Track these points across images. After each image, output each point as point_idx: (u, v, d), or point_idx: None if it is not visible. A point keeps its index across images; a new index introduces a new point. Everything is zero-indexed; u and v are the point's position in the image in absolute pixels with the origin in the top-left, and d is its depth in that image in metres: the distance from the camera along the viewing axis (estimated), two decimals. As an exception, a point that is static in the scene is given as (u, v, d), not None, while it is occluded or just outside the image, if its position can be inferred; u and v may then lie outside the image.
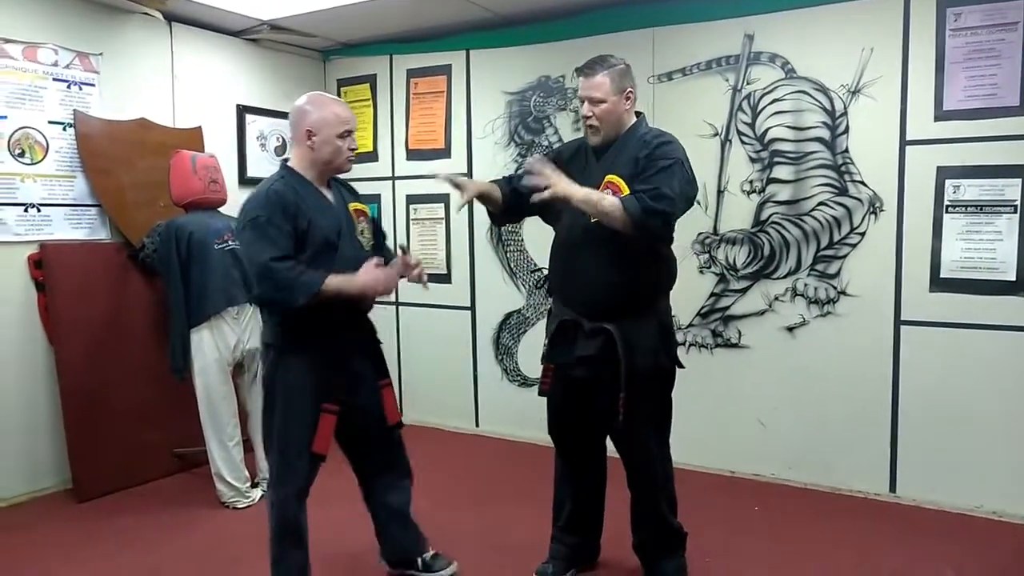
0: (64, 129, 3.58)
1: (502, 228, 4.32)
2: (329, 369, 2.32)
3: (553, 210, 2.49)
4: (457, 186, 2.48)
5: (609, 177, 2.35)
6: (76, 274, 3.52)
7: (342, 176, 2.51)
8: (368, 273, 2.27)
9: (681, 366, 2.52)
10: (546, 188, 2.25)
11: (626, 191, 2.29)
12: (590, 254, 2.36)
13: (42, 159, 3.52)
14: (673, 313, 2.58)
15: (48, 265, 3.46)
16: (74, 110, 3.60)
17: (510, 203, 2.54)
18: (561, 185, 2.26)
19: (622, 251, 2.31)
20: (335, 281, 2.20)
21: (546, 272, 2.61)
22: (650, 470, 2.50)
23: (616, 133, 2.41)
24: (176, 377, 3.38)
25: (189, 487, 3.64)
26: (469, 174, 4.42)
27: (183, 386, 3.40)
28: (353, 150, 2.39)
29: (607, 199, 2.24)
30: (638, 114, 2.47)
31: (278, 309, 2.27)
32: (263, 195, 2.26)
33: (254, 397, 3.47)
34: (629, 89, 2.40)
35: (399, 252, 2.43)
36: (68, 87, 3.60)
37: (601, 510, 2.68)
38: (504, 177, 2.64)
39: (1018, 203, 3.09)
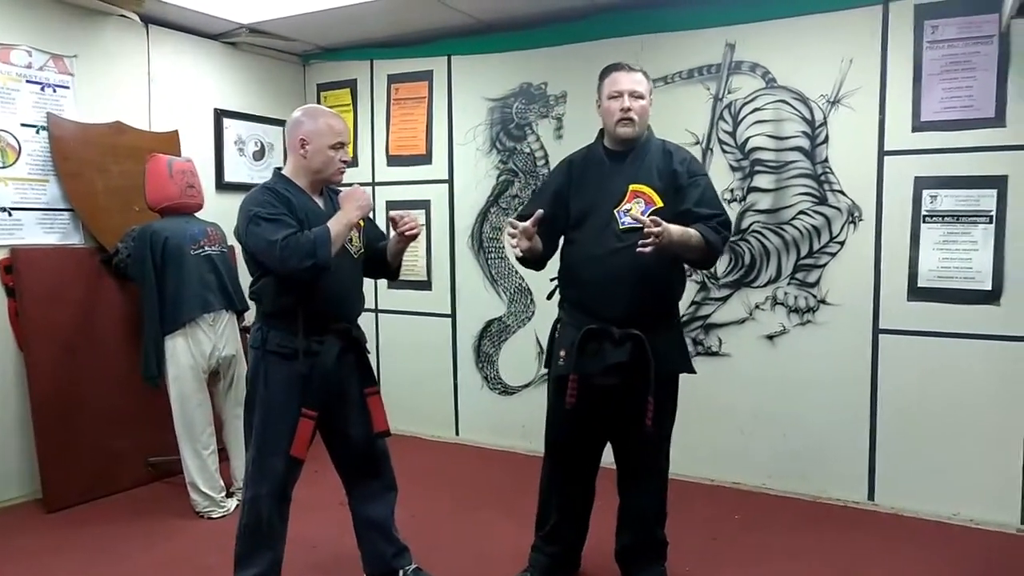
0: (37, 132, 3.51)
1: (483, 235, 4.31)
2: (311, 374, 2.32)
3: (571, 218, 2.48)
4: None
5: (634, 186, 2.37)
6: (47, 279, 3.45)
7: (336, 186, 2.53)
8: (349, 201, 2.35)
9: (693, 371, 2.54)
10: (656, 237, 2.13)
11: (659, 202, 2.34)
12: (626, 262, 2.32)
13: (14, 162, 3.45)
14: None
15: (19, 270, 3.38)
16: (48, 113, 3.54)
17: (548, 240, 2.50)
18: (667, 231, 2.16)
19: (655, 259, 2.30)
20: (334, 225, 2.26)
21: (556, 282, 2.58)
22: (660, 474, 2.56)
23: (640, 136, 2.43)
24: (150, 384, 3.32)
25: (163, 496, 3.57)
26: (450, 180, 4.41)
27: (157, 394, 3.34)
28: (345, 162, 2.42)
29: (695, 234, 2.27)
30: None
31: (308, 276, 2.22)
32: (258, 193, 2.33)
33: (229, 405, 3.42)
34: (651, 96, 2.46)
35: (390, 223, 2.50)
36: (42, 89, 3.53)
37: (587, 521, 2.66)
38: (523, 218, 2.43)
39: (993, 213, 3.12)
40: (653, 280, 2.36)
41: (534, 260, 2.53)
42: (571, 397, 2.38)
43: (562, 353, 2.46)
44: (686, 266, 2.54)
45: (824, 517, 3.31)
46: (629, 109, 2.36)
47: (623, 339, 2.34)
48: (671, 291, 2.49)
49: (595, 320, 2.37)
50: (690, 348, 3.72)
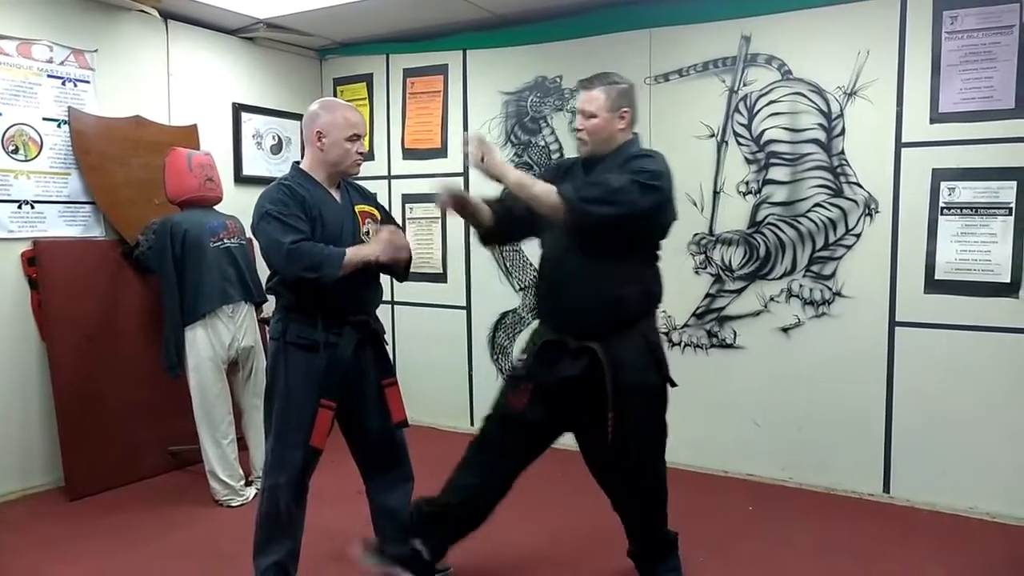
0: (59, 126, 3.57)
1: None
2: (330, 366, 2.34)
3: (542, 226, 2.45)
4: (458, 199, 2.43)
5: None
6: (70, 271, 3.51)
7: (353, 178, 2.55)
8: (381, 244, 2.35)
9: (673, 384, 2.43)
10: (482, 159, 2.23)
11: None
12: (573, 268, 2.30)
13: (36, 156, 3.50)
14: (670, 315, 2.56)
15: (41, 262, 3.44)
16: (69, 107, 3.59)
17: (502, 221, 2.50)
18: (495, 163, 2.25)
19: (606, 266, 2.26)
20: (352, 254, 2.28)
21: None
22: (640, 489, 2.45)
23: (606, 149, 2.37)
24: (169, 375, 3.36)
25: (183, 485, 3.63)
26: (465, 174, 4.42)
27: (177, 384, 3.39)
28: (362, 154, 2.44)
29: (540, 184, 2.24)
30: (634, 134, 2.43)
31: (310, 287, 2.26)
32: (274, 190, 2.34)
33: (248, 395, 3.47)
34: (624, 109, 2.35)
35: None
36: (63, 84, 3.58)
37: (477, 524, 2.50)
38: (495, 198, 2.55)
39: (1012, 205, 3.10)
40: (608, 287, 2.27)
41: (488, 232, 2.54)
42: (520, 403, 2.37)
43: (522, 357, 2.49)
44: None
45: (838, 509, 3.31)
46: (580, 130, 2.37)
47: (579, 352, 2.29)
48: (632, 299, 2.32)
49: (548, 320, 2.41)
50: (704, 340, 3.75)
